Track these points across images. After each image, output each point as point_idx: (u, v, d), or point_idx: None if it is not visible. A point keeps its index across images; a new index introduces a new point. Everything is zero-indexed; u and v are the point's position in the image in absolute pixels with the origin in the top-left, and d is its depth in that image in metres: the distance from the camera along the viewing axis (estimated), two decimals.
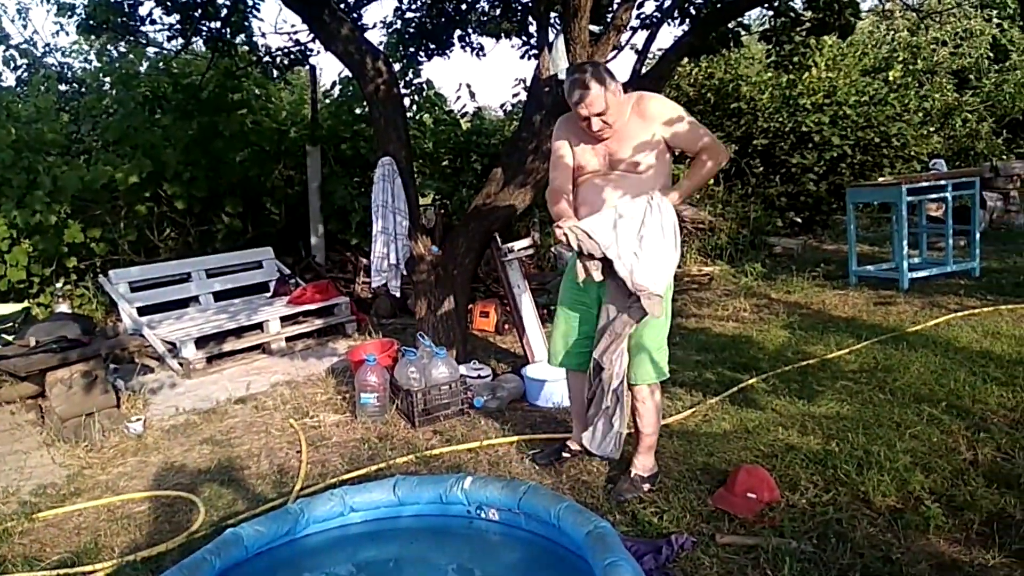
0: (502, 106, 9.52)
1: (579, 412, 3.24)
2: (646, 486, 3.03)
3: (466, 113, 8.86)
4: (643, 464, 3.11)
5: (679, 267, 7.82)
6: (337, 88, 8.32)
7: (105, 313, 6.19)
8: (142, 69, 7.45)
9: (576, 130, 2.88)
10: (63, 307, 4.72)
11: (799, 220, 9.57)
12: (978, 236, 6.54)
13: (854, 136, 9.20)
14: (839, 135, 9.11)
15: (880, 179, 8.10)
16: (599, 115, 2.73)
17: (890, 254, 7.04)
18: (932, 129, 10.52)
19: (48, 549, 2.98)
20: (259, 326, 5.71)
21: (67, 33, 12.80)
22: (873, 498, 2.79)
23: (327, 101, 8.18)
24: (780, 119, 9.28)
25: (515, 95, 9.92)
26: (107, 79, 7.53)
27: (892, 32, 13.10)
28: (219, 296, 6.34)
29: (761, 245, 8.55)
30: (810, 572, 2.36)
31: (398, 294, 4.56)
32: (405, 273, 4.35)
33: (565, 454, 3.29)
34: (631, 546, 2.53)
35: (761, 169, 9.52)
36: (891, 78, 9.95)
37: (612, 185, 2.86)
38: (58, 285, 5.29)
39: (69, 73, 9.30)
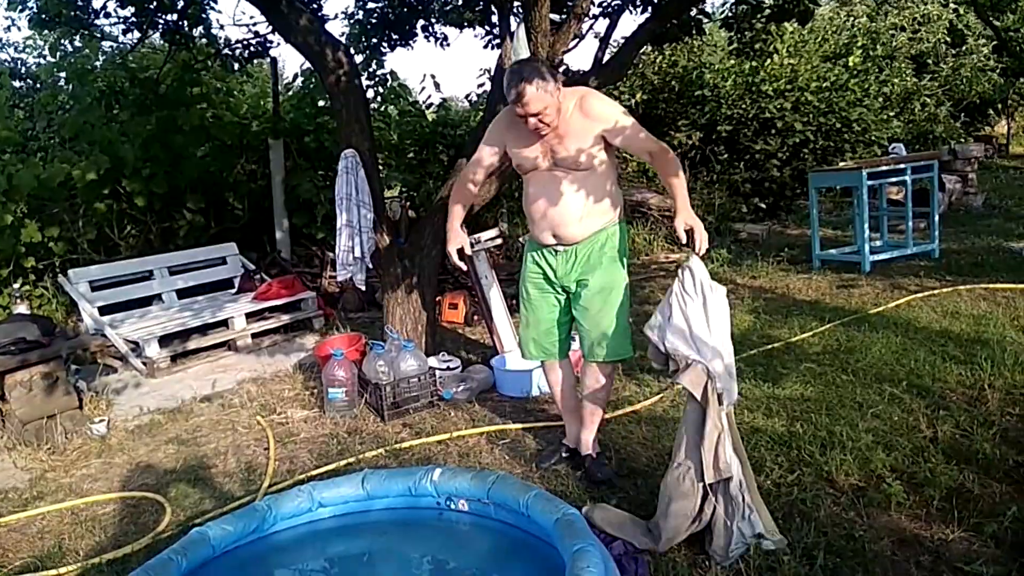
0: (467, 96, 9.49)
1: (568, 406, 3.24)
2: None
3: (431, 104, 8.81)
4: (594, 443, 3.18)
5: (646, 255, 7.91)
6: (299, 80, 8.23)
7: (66, 313, 6.07)
8: (97, 64, 7.29)
9: (517, 125, 2.85)
10: (21, 308, 4.61)
11: (763, 206, 9.68)
12: (937, 218, 6.67)
13: (816, 122, 9.33)
14: (801, 121, 9.22)
15: (841, 164, 8.22)
16: (535, 115, 2.71)
17: (852, 238, 7.15)
18: (892, 114, 10.70)
19: (11, 554, 2.92)
20: (224, 323, 5.64)
21: (19, 28, 12.53)
22: (836, 477, 2.85)
23: (289, 93, 8.08)
24: (743, 106, 9.36)
25: (480, 85, 9.89)
26: (62, 75, 7.35)
27: (851, 18, 13.26)
28: (183, 294, 6.24)
29: (727, 231, 8.63)
30: (776, 551, 2.39)
31: (363, 287, 4.53)
32: (371, 266, 4.32)
33: (564, 453, 3.23)
34: (602, 536, 2.55)
35: (725, 156, 9.61)
36: (851, 64, 10.08)
37: (559, 180, 2.86)
38: (16, 286, 5.16)
39: (23, 69, 9.07)
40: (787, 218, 9.80)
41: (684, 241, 2.80)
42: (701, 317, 2.58)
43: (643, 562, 2.44)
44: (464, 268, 3.23)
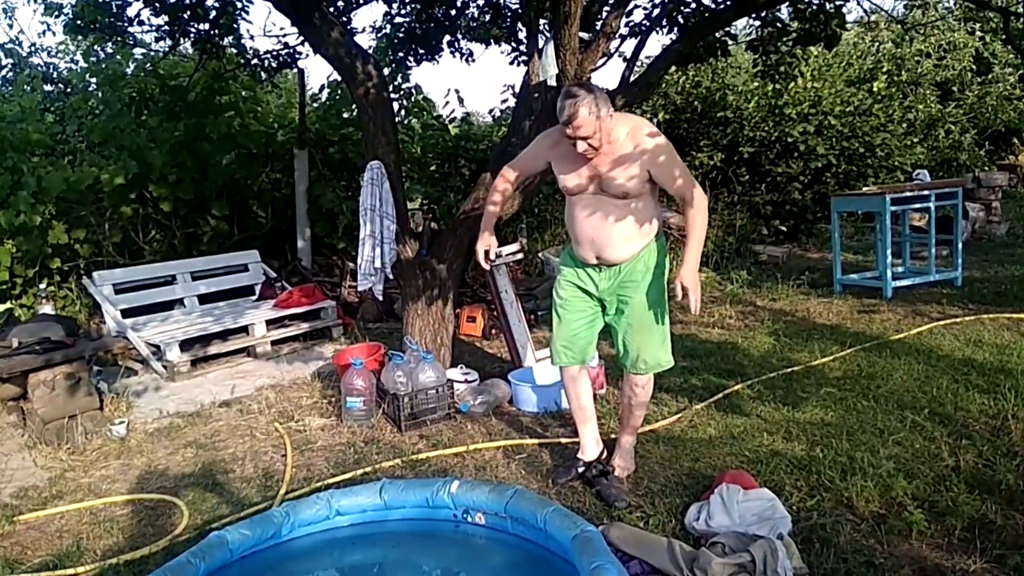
0: (491, 112, 9.54)
1: (585, 414, 3.25)
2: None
3: (454, 118, 8.87)
4: (630, 454, 3.23)
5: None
6: (325, 92, 8.31)
7: (89, 315, 6.14)
8: (129, 70, 7.41)
9: (564, 145, 2.87)
10: (46, 308, 4.67)
11: (784, 228, 9.63)
12: (960, 246, 6.62)
13: (839, 146, 9.28)
14: (824, 145, 9.18)
15: (864, 189, 8.18)
16: (584, 139, 2.73)
17: (874, 263, 7.10)
18: (916, 140, 10.62)
19: (29, 552, 2.95)
20: (244, 329, 5.68)
21: (54, 33, 12.75)
22: (857, 503, 2.82)
23: (315, 105, 8.16)
24: (766, 128, 9.34)
25: (504, 101, 9.96)
26: (93, 80, 7.47)
27: (877, 43, 13.23)
28: (204, 299, 6.30)
29: (747, 253, 8.60)
30: None
31: (381, 297, 4.55)
32: (391, 277, 4.35)
33: (580, 468, 3.21)
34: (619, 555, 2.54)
35: (747, 178, 9.57)
36: (875, 89, 10.03)
37: (605, 204, 2.88)
38: (41, 286, 5.23)
39: (55, 73, 9.24)
40: (808, 241, 9.75)
41: (679, 298, 2.87)
42: None
43: None
44: (486, 267, 3.24)
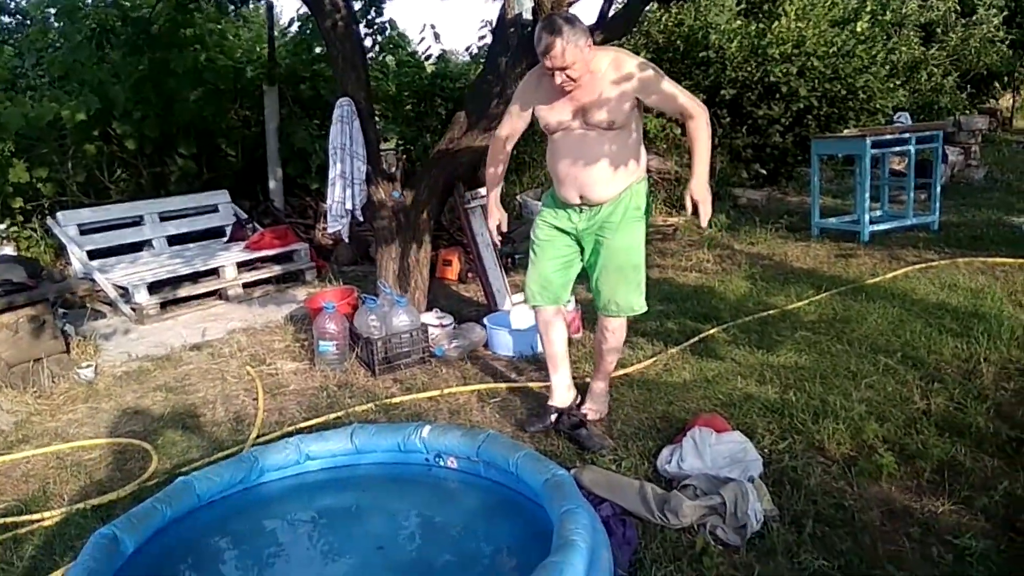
0: (467, 49, 9.29)
1: (557, 356, 3.20)
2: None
3: (430, 56, 8.62)
4: (605, 397, 3.22)
5: None
6: (296, 25, 8.01)
7: (55, 256, 5.99)
8: (88, 1, 7.07)
9: (545, 83, 2.80)
10: (7, 249, 4.53)
11: (764, 172, 9.57)
12: (939, 190, 6.61)
13: (821, 88, 9.16)
14: (806, 87, 9.06)
15: (845, 132, 8.10)
16: (563, 69, 2.65)
17: (852, 207, 7.09)
18: (898, 82, 10.51)
19: None
20: (215, 272, 5.57)
21: None
22: (828, 446, 2.83)
23: (285, 39, 7.87)
24: (748, 69, 9.19)
25: (481, 38, 9.68)
26: (52, 11, 7.12)
27: None
28: (174, 240, 6.16)
29: (726, 196, 8.54)
30: (765, 518, 2.37)
31: (348, 239, 4.46)
32: (361, 219, 4.24)
33: (552, 416, 3.16)
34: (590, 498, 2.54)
35: (728, 120, 9.46)
36: (859, 30, 9.86)
37: (589, 140, 2.81)
38: (1, 226, 5.07)
39: (12, 4, 8.80)
40: (787, 185, 9.71)
41: (689, 212, 2.80)
42: None
43: (631, 524, 2.42)
44: (499, 241, 3.20)
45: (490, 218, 3.18)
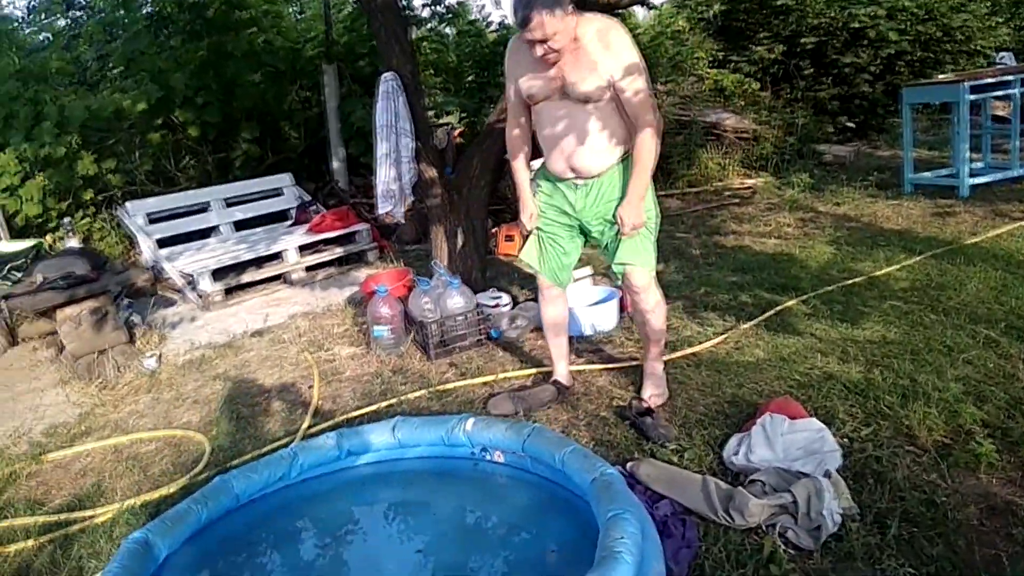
0: None
1: (558, 332, 3.15)
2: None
3: (490, 23, 8.37)
4: (654, 392, 2.99)
5: (719, 180, 7.47)
6: (351, 1, 7.89)
7: (128, 246, 6.11)
8: None
9: (526, 52, 2.63)
10: (72, 242, 4.61)
11: (852, 125, 8.97)
12: None
13: (913, 31, 8.48)
14: (896, 30, 8.39)
15: (940, 77, 7.45)
16: (542, 41, 2.48)
17: (950, 159, 6.52)
18: (1000, 20, 9.64)
19: (53, 491, 2.93)
20: (278, 256, 5.56)
21: None
22: (918, 433, 2.53)
23: (341, 15, 7.77)
24: (831, 15, 8.58)
25: None
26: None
27: None
28: (240, 225, 6.19)
29: (809, 154, 8.04)
30: (844, 517, 2.12)
31: (402, 220, 4.33)
32: (412, 198, 4.10)
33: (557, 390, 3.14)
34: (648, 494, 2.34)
35: (811, 71, 8.89)
36: None
37: (572, 110, 2.67)
38: (67, 219, 5.19)
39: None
40: (878, 138, 9.07)
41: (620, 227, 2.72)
42: None
43: (691, 524, 2.22)
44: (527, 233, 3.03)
45: (523, 213, 2.99)
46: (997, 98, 6.41)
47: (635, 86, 2.59)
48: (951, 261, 4.24)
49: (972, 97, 5.71)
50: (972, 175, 5.85)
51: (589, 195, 2.78)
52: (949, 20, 8.52)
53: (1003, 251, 4.29)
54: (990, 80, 5.89)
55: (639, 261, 2.79)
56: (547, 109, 2.73)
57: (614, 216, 2.75)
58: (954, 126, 6.08)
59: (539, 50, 2.52)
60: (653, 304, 2.88)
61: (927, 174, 6.30)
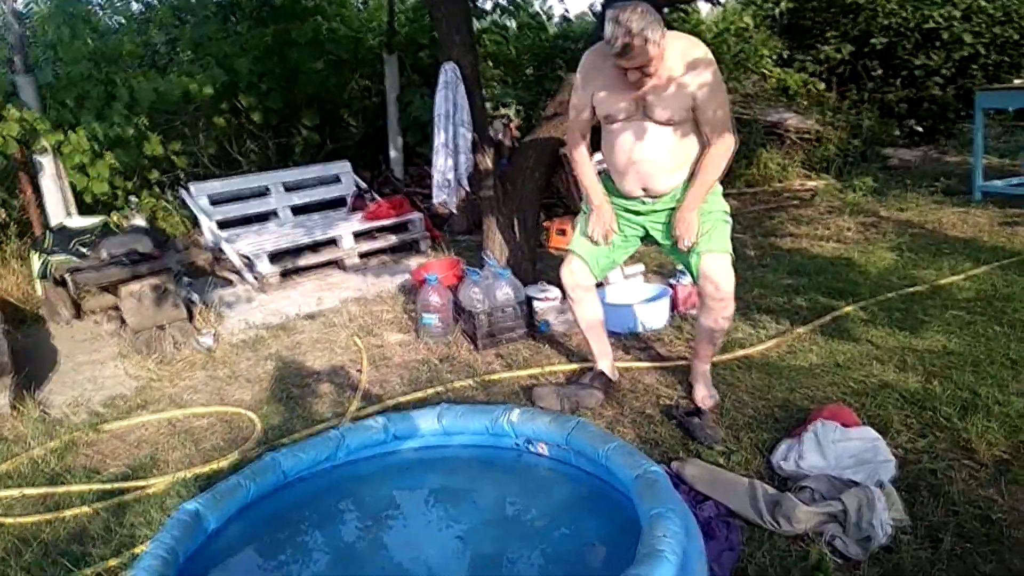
0: (591, 7, 8.90)
1: (595, 326, 3.12)
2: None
3: (551, 16, 8.33)
4: (706, 393, 2.93)
5: (779, 181, 7.31)
6: None
7: (189, 226, 6.27)
8: None
9: (608, 71, 2.59)
10: (138, 220, 4.75)
11: (920, 129, 8.69)
12: None
13: (989, 33, 8.16)
14: (971, 32, 8.09)
15: (1017, 81, 7.17)
16: (639, 67, 2.45)
17: (1021, 167, 6.27)
18: None
19: (108, 460, 3.02)
20: (334, 241, 5.65)
21: None
22: (977, 446, 2.45)
23: (404, 5, 7.83)
24: (903, 14, 8.32)
25: None
26: None
27: None
28: (298, 211, 6.30)
29: (874, 157, 7.82)
30: (895, 529, 2.07)
31: (455, 211, 4.35)
32: (468, 190, 4.11)
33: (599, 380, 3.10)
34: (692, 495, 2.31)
35: (879, 72, 8.63)
36: None
37: (650, 131, 2.63)
38: (133, 198, 5.34)
39: None
40: (946, 143, 8.78)
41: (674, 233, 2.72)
42: None
43: (735, 527, 2.19)
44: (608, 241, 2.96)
45: (599, 221, 2.88)
46: None
47: (715, 106, 2.58)
48: (1019, 272, 4.08)
49: None
50: None
51: (656, 208, 2.80)
52: None
53: None
54: None
55: (717, 247, 2.73)
56: (624, 130, 2.69)
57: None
58: None
59: (632, 76, 2.49)
60: (729, 292, 2.76)
61: (998, 182, 6.07)
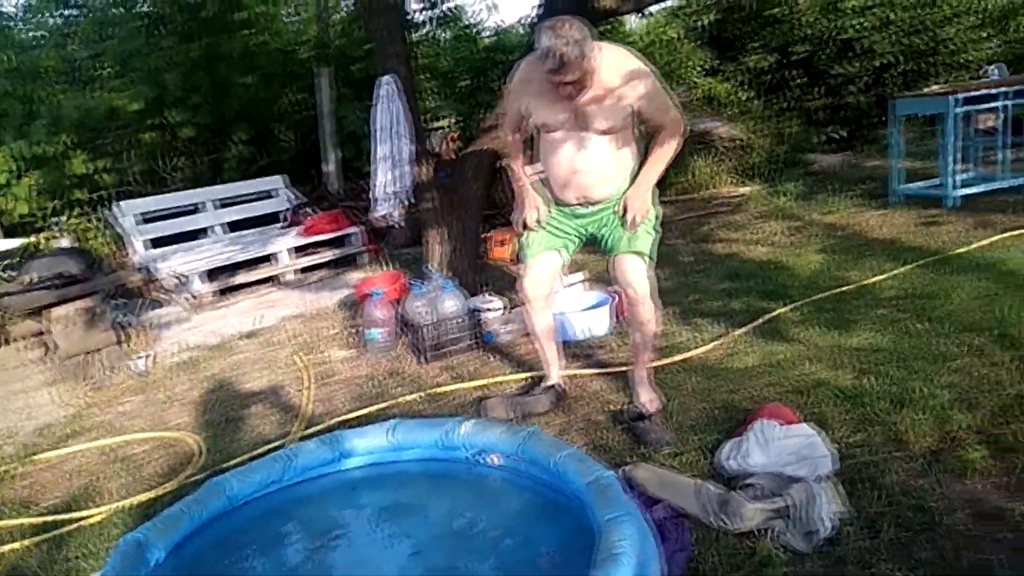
0: (521, 20, 9.00)
1: (546, 336, 3.14)
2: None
3: (485, 29, 8.40)
4: (650, 397, 2.98)
5: (710, 188, 7.51)
6: (346, 4, 7.90)
7: (117, 246, 6.07)
8: None
9: (541, 82, 2.61)
10: (64, 241, 4.60)
11: (840, 135, 9.05)
12: None
13: (902, 43, 8.56)
14: (885, 42, 8.48)
15: (929, 89, 7.54)
16: (572, 83, 2.48)
17: (938, 170, 6.59)
18: (988, 33, 9.76)
19: (44, 493, 2.91)
20: (270, 258, 5.56)
21: None
22: (909, 439, 2.55)
23: (335, 19, 7.77)
24: (821, 26, 8.66)
25: (540, 5, 9.36)
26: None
27: None
28: (232, 227, 6.18)
29: (799, 163, 8.11)
30: (836, 522, 2.14)
31: (400, 224, 4.34)
32: (411, 202, 4.11)
33: (552, 395, 3.12)
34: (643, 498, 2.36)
35: (801, 81, 8.96)
36: None
37: (586, 141, 2.67)
38: (59, 219, 5.16)
39: None
40: (865, 149, 9.15)
41: (620, 213, 2.76)
42: None
43: (686, 527, 2.23)
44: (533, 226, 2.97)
45: (526, 208, 2.92)
46: (985, 111, 6.49)
47: (661, 104, 2.66)
48: (939, 271, 4.28)
49: (961, 109, 5.78)
50: (959, 185, 5.91)
51: (594, 216, 2.85)
52: (938, 33, 8.61)
53: (991, 261, 4.34)
54: (979, 93, 5.96)
55: (638, 247, 2.79)
56: (563, 141, 2.70)
57: (617, 229, 2.80)
58: (942, 137, 6.15)
59: (565, 91, 2.51)
60: (644, 295, 2.83)
61: (915, 185, 6.36)
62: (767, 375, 3.19)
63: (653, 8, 8.52)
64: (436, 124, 7.65)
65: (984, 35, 9.34)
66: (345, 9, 7.91)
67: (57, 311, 3.91)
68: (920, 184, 6.37)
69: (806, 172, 7.93)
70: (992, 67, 8.09)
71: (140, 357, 4.06)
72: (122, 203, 5.71)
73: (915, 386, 2.88)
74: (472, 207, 4.23)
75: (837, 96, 8.88)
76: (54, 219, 5.02)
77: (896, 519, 2.17)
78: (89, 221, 5.93)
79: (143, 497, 2.76)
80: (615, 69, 2.59)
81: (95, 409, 3.64)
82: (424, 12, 7.56)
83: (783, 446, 2.47)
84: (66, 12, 7.42)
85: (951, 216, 5.54)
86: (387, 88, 3.89)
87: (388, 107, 3.91)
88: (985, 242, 4.72)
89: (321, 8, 7.18)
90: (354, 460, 2.60)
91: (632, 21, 10.21)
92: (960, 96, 5.74)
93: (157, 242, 5.71)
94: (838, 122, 9.03)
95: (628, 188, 2.77)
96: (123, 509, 2.68)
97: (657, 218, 2.85)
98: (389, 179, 3.86)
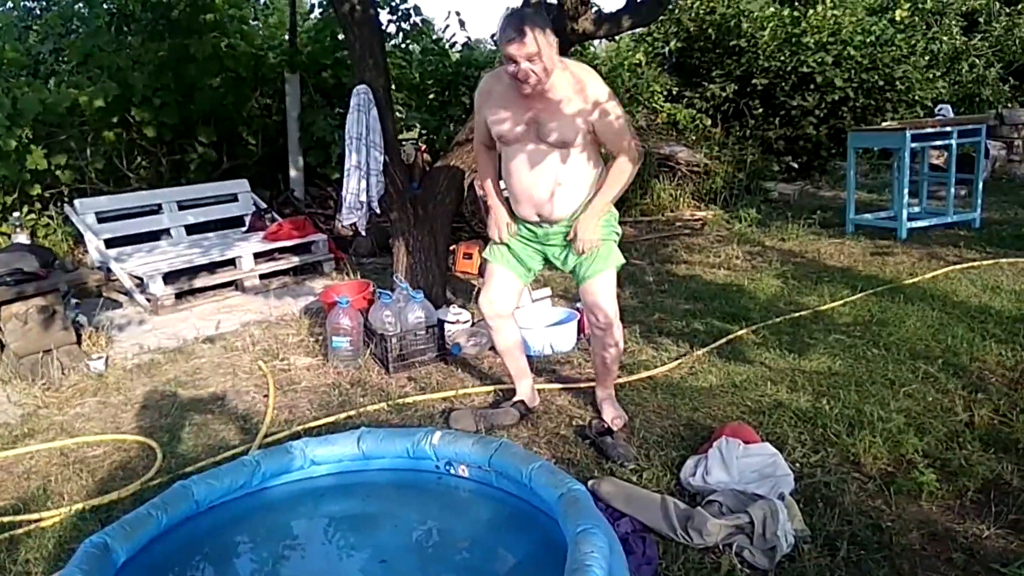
0: (493, 36, 9.08)
1: (513, 353, 3.16)
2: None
3: (455, 43, 8.45)
4: (615, 414, 3.03)
5: (672, 211, 7.65)
6: (318, 11, 7.88)
7: (73, 244, 5.94)
8: None
9: (501, 92, 2.70)
10: (21, 237, 4.47)
11: (796, 165, 9.31)
12: (980, 186, 6.33)
13: (857, 78, 8.88)
14: (842, 77, 8.78)
15: (884, 124, 7.82)
16: (528, 59, 2.51)
17: (889, 202, 6.83)
18: (938, 73, 10.17)
19: None
20: (232, 262, 5.48)
21: None
22: (864, 460, 2.66)
23: (307, 25, 7.75)
24: (781, 58, 8.93)
25: None
26: None
27: None
28: (192, 230, 6.08)
29: (757, 190, 8.32)
30: (796, 539, 2.21)
31: (364, 233, 4.34)
32: (378, 212, 4.11)
33: (521, 410, 3.14)
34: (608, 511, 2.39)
35: (760, 111, 9.21)
36: (898, 18, 9.53)
37: (543, 155, 2.70)
38: (16, 214, 5.02)
39: None
40: (821, 179, 9.44)
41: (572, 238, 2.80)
42: None
43: (651, 542, 2.28)
44: (503, 239, 3.00)
45: (498, 221, 2.96)
46: (935, 147, 6.76)
47: (617, 128, 2.67)
48: (891, 299, 4.44)
49: (913, 145, 6.01)
50: (910, 219, 6.15)
51: (554, 240, 2.88)
52: (891, 70, 8.94)
53: (939, 292, 4.52)
54: (931, 130, 6.21)
55: (605, 267, 2.84)
56: (518, 153, 2.73)
57: (581, 262, 2.84)
58: (894, 171, 6.38)
59: (522, 69, 2.51)
60: (609, 321, 2.88)
61: (868, 216, 6.59)
62: (728, 395, 3.27)
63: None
64: (405, 136, 7.66)
65: (933, 75, 9.73)
66: (319, 11, 7.87)
67: (12, 308, 3.81)
68: (873, 215, 6.60)
69: (764, 199, 8.14)
70: (941, 106, 8.45)
71: (97, 358, 3.97)
72: (80, 200, 5.58)
73: (869, 410, 2.99)
74: (442, 220, 4.25)
75: (795, 127, 9.13)
76: (15, 215, 4.87)
77: (853, 538, 2.25)
78: (50, 218, 5.79)
79: (100, 501, 2.69)
80: (574, 81, 2.64)
81: (49, 410, 3.54)
82: (393, 24, 7.58)
83: (745, 464, 2.54)
84: (29, 4, 7.26)
85: (902, 247, 5.76)
86: (362, 98, 3.90)
87: (361, 117, 3.91)
88: (934, 274, 4.92)
89: (291, 15, 7.13)
90: (322, 468, 2.59)
91: (598, 45, 10.40)
92: (912, 132, 5.98)
93: (115, 242, 5.59)
94: (794, 152, 9.29)
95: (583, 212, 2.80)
96: (79, 512, 2.61)
97: (616, 232, 2.89)
98: (361, 188, 3.85)
